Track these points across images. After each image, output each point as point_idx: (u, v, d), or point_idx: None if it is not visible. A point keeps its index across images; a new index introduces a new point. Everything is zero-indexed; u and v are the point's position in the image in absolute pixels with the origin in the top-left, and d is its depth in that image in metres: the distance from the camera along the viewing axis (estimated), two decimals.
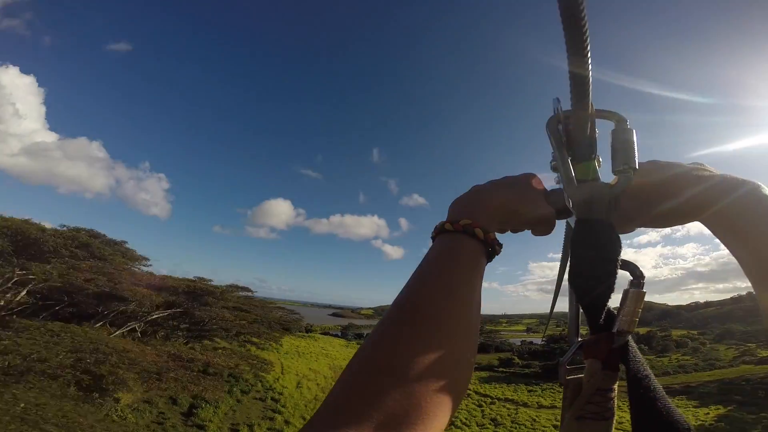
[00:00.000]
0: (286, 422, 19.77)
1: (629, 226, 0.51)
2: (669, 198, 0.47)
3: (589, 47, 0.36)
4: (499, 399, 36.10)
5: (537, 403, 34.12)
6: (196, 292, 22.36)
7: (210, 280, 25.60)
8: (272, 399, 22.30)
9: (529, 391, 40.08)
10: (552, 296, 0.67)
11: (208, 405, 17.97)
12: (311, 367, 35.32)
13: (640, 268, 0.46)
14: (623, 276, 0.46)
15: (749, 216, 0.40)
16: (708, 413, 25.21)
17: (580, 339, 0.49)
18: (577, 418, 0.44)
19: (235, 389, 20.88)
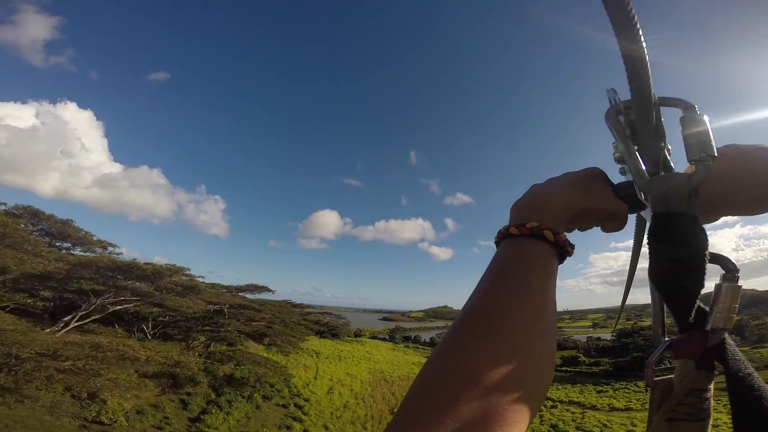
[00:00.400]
0: (305, 431, 17.90)
1: (713, 216, 0.47)
2: (759, 183, 0.43)
3: (638, 24, 0.34)
4: (562, 402, 31.94)
5: (608, 405, 29.43)
6: (122, 268, 18.19)
7: (188, 269, 22.17)
8: (296, 405, 20.61)
9: (599, 392, 35.29)
10: (623, 289, 0.64)
11: (219, 410, 16.60)
12: (350, 372, 33.45)
13: (733, 261, 0.42)
14: (712, 269, 0.43)
15: None
16: None
17: (667, 338, 0.46)
18: (667, 419, 0.42)
19: (255, 395, 19.46)
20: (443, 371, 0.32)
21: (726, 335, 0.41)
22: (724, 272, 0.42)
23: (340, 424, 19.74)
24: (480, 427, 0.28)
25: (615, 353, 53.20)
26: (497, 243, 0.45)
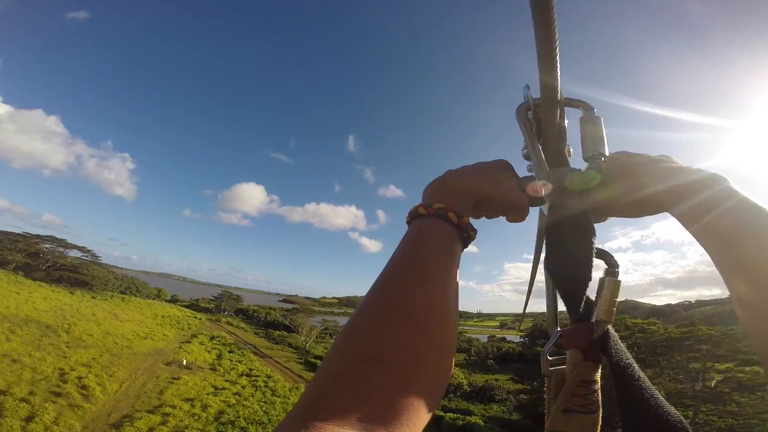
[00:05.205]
0: None
1: (601, 215, 0.49)
2: (641, 187, 0.44)
3: (557, 32, 0.35)
4: None
5: None
6: None
7: None
8: None
9: None
10: (528, 282, 0.63)
11: None
12: None
13: (615, 258, 0.44)
14: (598, 265, 0.45)
15: (719, 207, 0.39)
16: None
17: (559, 329, 0.47)
18: (563, 410, 0.42)
19: None
20: (350, 352, 0.31)
21: (609, 327, 0.42)
22: (606, 267, 0.44)
23: None
24: (388, 409, 0.27)
25: (524, 361, 31.68)
26: (408, 223, 0.44)
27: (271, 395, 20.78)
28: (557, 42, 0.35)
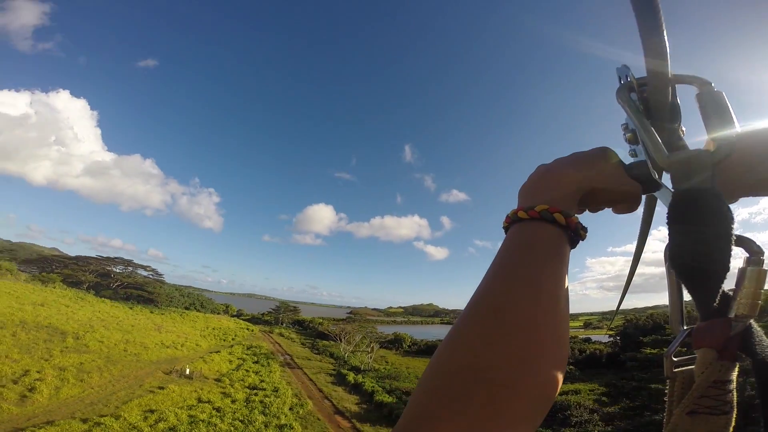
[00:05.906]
0: None
1: (732, 196, 0.43)
2: None
3: (660, 7, 0.32)
4: None
5: None
6: None
7: None
8: None
9: None
10: (624, 284, 0.58)
11: None
12: None
13: (758, 243, 0.38)
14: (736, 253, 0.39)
15: None
16: None
17: (686, 327, 0.42)
18: (689, 413, 0.38)
19: None
20: (452, 365, 0.30)
21: (752, 322, 0.37)
22: (748, 255, 0.38)
23: None
24: (489, 425, 0.26)
25: (616, 366, 26.04)
26: (506, 228, 0.41)
27: (259, 413, 16.64)
28: (661, 12, 0.32)
